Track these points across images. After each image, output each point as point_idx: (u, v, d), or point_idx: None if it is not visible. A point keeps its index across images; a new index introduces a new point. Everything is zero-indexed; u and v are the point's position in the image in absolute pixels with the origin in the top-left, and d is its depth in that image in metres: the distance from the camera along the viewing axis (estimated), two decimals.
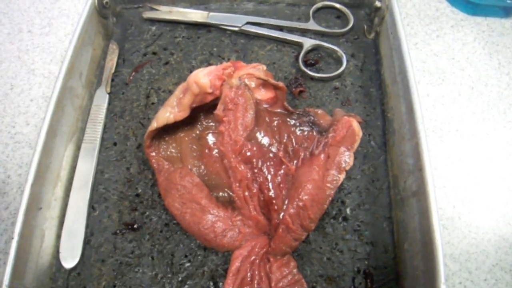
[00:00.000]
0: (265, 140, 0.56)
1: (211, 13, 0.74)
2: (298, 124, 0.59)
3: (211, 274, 0.55)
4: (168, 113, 0.55)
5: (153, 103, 0.67)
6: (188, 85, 0.55)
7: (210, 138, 0.60)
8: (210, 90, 0.55)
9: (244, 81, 0.57)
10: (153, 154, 0.58)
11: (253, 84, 0.59)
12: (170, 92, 0.67)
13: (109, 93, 0.68)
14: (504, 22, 0.80)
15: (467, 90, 0.72)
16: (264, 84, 0.60)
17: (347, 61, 0.68)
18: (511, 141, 0.67)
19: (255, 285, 0.51)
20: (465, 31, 0.79)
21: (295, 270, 0.52)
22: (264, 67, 0.60)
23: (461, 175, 0.65)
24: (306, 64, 0.69)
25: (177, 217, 0.55)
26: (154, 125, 0.55)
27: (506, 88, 0.72)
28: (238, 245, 0.53)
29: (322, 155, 0.54)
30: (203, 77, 0.54)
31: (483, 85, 0.73)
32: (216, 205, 0.55)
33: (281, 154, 0.56)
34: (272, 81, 0.59)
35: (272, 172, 0.55)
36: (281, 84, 0.59)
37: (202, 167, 0.59)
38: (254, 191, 0.54)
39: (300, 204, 0.51)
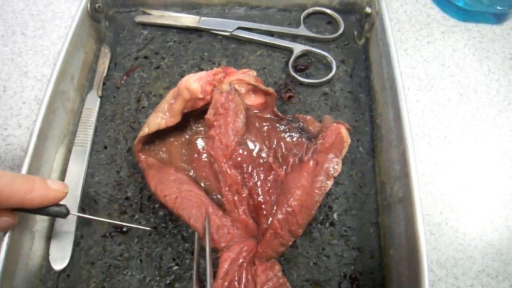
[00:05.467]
0: (255, 146, 0.57)
1: (203, 18, 0.75)
2: (287, 130, 0.59)
3: (199, 277, 0.55)
4: (159, 119, 0.56)
5: (143, 107, 0.67)
6: (179, 90, 0.55)
7: (200, 143, 0.60)
8: (201, 96, 0.55)
9: (234, 87, 0.57)
10: (143, 157, 0.58)
11: (243, 90, 0.59)
12: (161, 96, 0.68)
13: (100, 97, 0.68)
14: (494, 29, 0.80)
15: (457, 96, 0.72)
16: (254, 89, 0.61)
17: (337, 66, 0.69)
18: (499, 148, 0.68)
19: None
20: (455, 37, 0.79)
21: (279, 274, 0.53)
22: (254, 73, 0.61)
23: (449, 181, 0.65)
24: (296, 69, 0.70)
25: (171, 202, 0.54)
26: (146, 130, 0.56)
27: (496, 94, 0.73)
28: (225, 246, 0.53)
29: (311, 162, 0.54)
30: (194, 83, 0.55)
31: (472, 91, 0.73)
32: (211, 200, 0.56)
33: (270, 159, 0.56)
34: (262, 86, 0.59)
35: (262, 178, 0.55)
36: (271, 90, 0.60)
37: (192, 171, 0.59)
38: (244, 195, 0.54)
39: (289, 209, 0.52)
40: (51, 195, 0.48)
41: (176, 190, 0.55)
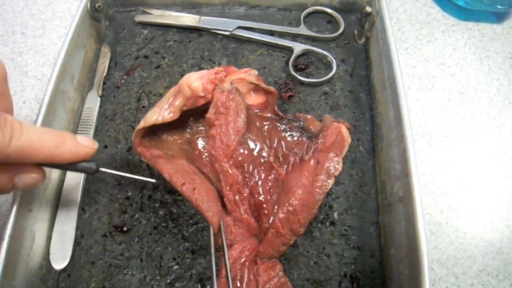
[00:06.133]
0: (256, 145, 0.57)
1: (203, 17, 0.75)
2: (288, 129, 0.60)
3: (199, 276, 0.55)
4: (157, 114, 0.55)
5: (144, 107, 0.67)
6: (180, 88, 0.55)
7: (200, 143, 0.60)
8: (202, 94, 0.55)
9: (236, 86, 0.57)
10: (140, 148, 0.57)
11: (244, 89, 0.60)
12: (161, 96, 0.66)
13: (100, 96, 0.68)
14: (495, 28, 0.80)
15: (457, 95, 0.72)
16: (255, 89, 0.61)
17: (337, 66, 0.69)
18: (500, 147, 0.68)
19: (244, 287, 0.51)
20: (456, 36, 0.79)
21: (281, 273, 0.53)
22: (256, 72, 0.61)
23: (449, 181, 0.65)
24: (296, 68, 0.70)
25: (189, 191, 0.52)
26: (141, 124, 0.55)
27: (496, 93, 0.73)
28: (229, 244, 0.53)
29: (312, 161, 0.54)
30: (195, 81, 0.54)
31: (473, 91, 0.73)
32: (219, 196, 0.55)
33: (271, 159, 0.56)
34: (264, 85, 0.59)
35: (263, 177, 0.55)
36: (272, 88, 0.60)
37: None
38: (245, 195, 0.54)
39: (290, 208, 0.52)
40: (81, 151, 0.47)
41: (193, 180, 0.54)
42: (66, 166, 0.47)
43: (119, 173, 0.55)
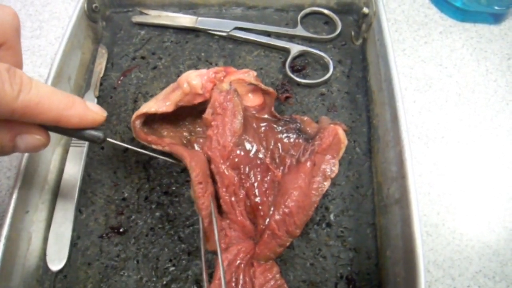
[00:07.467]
0: (252, 146, 0.57)
1: (200, 18, 0.74)
2: (285, 131, 0.60)
3: (195, 278, 0.55)
4: (151, 105, 0.55)
5: None
6: (179, 84, 0.55)
7: (198, 143, 0.60)
8: (200, 91, 0.55)
9: (234, 87, 0.57)
10: (155, 137, 0.57)
11: (242, 90, 0.59)
12: None
13: (97, 97, 0.68)
14: (492, 29, 0.80)
15: (454, 96, 0.72)
16: (253, 90, 0.61)
17: (334, 67, 0.69)
18: (497, 148, 0.68)
19: None
20: (453, 37, 0.79)
21: (277, 275, 0.53)
22: (255, 73, 0.61)
23: (446, 182, 0.65)
24: (293, 70, 0.70)
25: (201, 193, 0.52)
26: (135, 114, 0.55)
27: (493, 95, 0.73)
28: (223, 248, 0.53)
29: (308, 163, 0.54)
30: (195, 78, 0.55)
31: (470, 92, 0.73)
32: (215, 202, 0.55)
33: (268, 160, 0.56)
34: (263, 86, 0.59)
35: (259, 179, 0.55)
36: (271, 89, 0.60)
37: None
38: (241, 196, 0.54)
39: (286, 210, 0.52)
40: (90, 116, 0.45)
41: (208, 182, 0.53)
42: (72, 132, 0.46)
43: (128, 146, 0.54)
